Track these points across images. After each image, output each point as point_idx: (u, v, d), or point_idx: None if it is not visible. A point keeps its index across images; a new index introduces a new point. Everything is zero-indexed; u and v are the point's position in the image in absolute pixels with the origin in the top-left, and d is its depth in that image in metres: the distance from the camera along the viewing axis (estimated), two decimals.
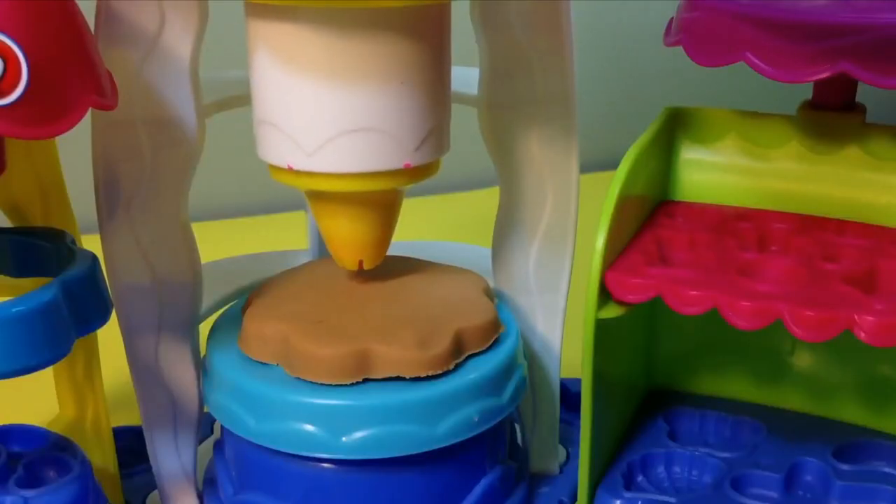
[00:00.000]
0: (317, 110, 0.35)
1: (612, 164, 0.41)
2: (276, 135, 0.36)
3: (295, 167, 0.36)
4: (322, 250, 0.46)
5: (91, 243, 0.38)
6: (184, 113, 0.36)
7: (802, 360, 0.46)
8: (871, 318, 0.35)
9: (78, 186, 0.42)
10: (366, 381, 0.36)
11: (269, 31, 0.35)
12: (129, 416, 0.45)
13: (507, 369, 0.38)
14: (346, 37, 0.34)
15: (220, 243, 0.56)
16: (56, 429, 0.41)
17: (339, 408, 0.36)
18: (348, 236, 0.39)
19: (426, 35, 0.35)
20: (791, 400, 0.47)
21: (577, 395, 0.49)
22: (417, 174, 0.38)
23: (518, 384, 0.39)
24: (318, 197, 0.38)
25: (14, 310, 0.30)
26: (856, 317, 0.35)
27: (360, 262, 0.39)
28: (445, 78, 0.37)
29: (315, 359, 0.36)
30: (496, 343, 0.39)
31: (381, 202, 0.38)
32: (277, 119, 0.36)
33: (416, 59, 0.35)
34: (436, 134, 0.37)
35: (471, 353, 0.38)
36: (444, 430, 0.36)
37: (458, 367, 0.37)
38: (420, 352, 0.36)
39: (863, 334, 0.35)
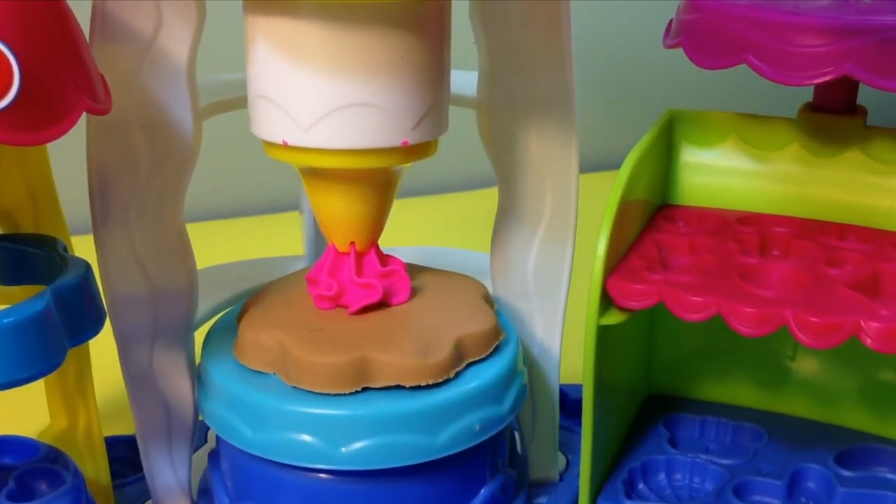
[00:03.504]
0: (314, 84, 0.34)
1: (611, 165, 0.41)
2: (271, 109, 0.35)
3: (290, 143, 0.35)
4: (319, 256, 0.46)
5: (84, 244, 0.37)
6: (180, 115, 0.35)
7: (804, 365, 0.46)
8: (876, 325, 0.34)
9: (70, 187, 0.41)
10: (365, 389, 0.36)
11: (266, 3, 0.34)
12: (122, 426, 0.45)
13: (508, 377, 0.38)
14: (345, 10, 0.33)
15: (214, 244, 0.56)
16: (47, 439, 0.40)
17: (338, 417, 0.35)
18: (342, 215, 0.38)
19: (427, 11, 0.34)
20: (792, 405, 0.47)
21: (576, 402, 0.48)
22: (414, 153, 0.37)
23: (519, 392, 0.39)
24: (312, 174, 0.37)
25: (5, 321, 0.30)
26: (862, 323, 0.34)
27: (352, 245, 0.38)
28: (445, 55, 0.37)
29: (313, 367, 0.35)
30: (496, 350, 0.38)
31: (376, 181, 0.37)
32: (273, 93, 0.35)
33: (415, 34, 0.34)
34: (434, 112, 0.36)
35: (471, 360, 0.37)
36: (444, 440, 0.36)
37: (458, 375, 0.37)
38: (420, 359, 0.35)
39: (869, 340, 0.34)
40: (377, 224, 0.39)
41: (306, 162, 0.36)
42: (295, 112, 0.35)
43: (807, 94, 0.44)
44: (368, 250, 0.39)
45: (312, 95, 0.34)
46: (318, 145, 0.35)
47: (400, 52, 0.34)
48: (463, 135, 0.46)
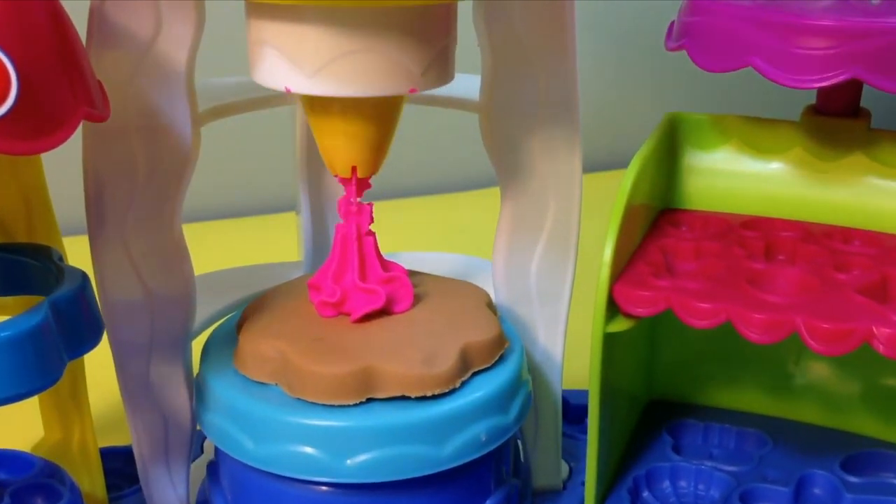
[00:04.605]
0: (317, 29, 0.33)
1: (611, 165, 0.40)
2: (273, 56, 0.34)
3: (293, 90, 0.34)
4: (316, 262, 0.45)
5: (79, 245, 0.36)
6: (178, 121, 0.35)
7: (808, 370, 0.45)
8: (888, 331, 0.34)
9: (66, 187, 0.40)
10: (369, 400, 0.35)
11: None
12: (117, 436, 0.44)
13: (514, 386, 0.37)
14: None
15: (212, 245, 0.55)
16: (41, 452, 0.39)
17: (342, 429, 0.34)
18: (342, 142, 0.36)
19: None
20: (797, 411, 0.46)
21: (577, 408, 0.48)
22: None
23: (524, 401, 0.38)
24: (312, 104, 0.36)
25: (2, 335, 0.29)
26: (874, 329, 0.34)
27: (354, 170, 0.37)
28: None
29: (316, 378, 0.35)
30: (501, 359, 0.38)
31: (380, 109, 0.36)
32: (275, 39, 0.34)
33: None
34: (442, 58, 0.35)
35: (476, 369, 0.37)
36: (450, 451, 0.35)
37: (463, 384, 0.36)
38: (425, 369, 0.35)
39: (882, 347, 0.34)
40: (380, 148, 0.37)
41: (310, 104, 0.35)
42: (298, 58, 0.33)
43: (809, 97, 0.44)
44: (369, 177, 0.38)
45: (316, 41, 0.33)
46: (323, 93, 0.34)
47: None
48: (463, 135, 0.45)
